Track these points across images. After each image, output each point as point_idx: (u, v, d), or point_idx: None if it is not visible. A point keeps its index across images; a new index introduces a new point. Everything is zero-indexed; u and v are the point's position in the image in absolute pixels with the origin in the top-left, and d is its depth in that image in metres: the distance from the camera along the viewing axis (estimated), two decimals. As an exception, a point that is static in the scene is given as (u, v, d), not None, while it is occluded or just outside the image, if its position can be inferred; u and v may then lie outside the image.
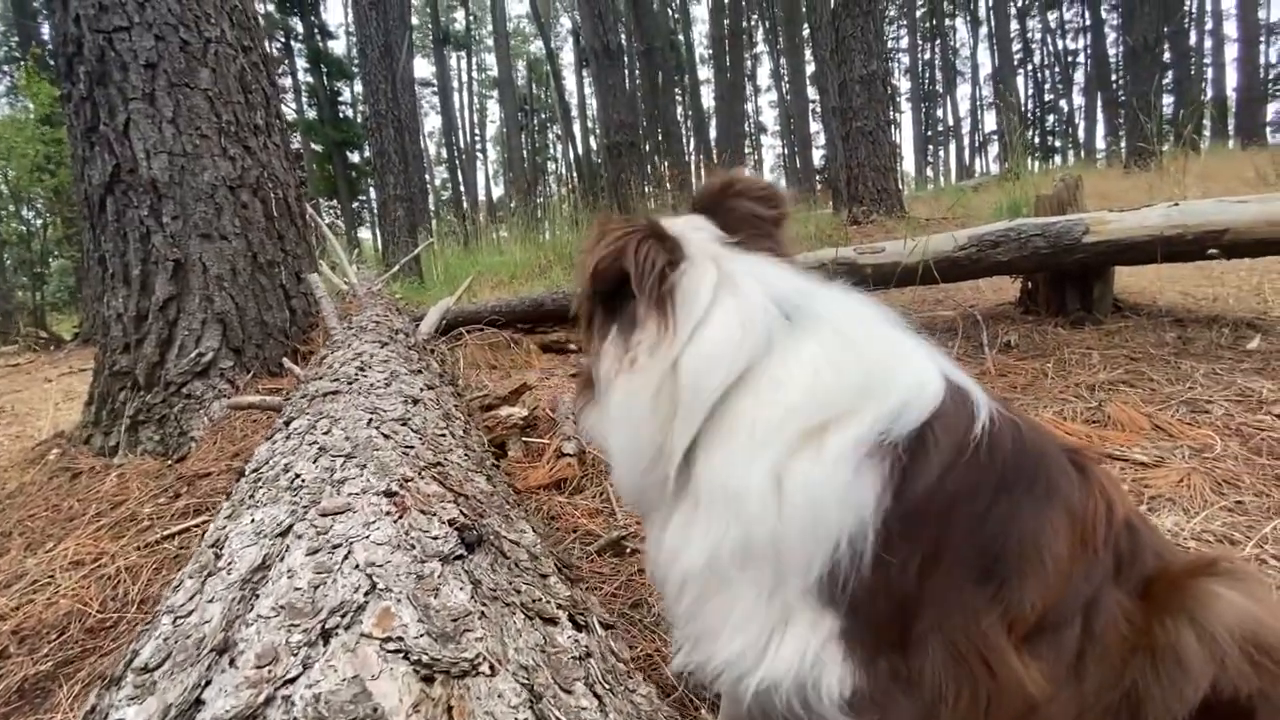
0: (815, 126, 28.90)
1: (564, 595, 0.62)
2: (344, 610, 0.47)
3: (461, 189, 31.63)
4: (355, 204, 26.05)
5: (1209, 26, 29.22)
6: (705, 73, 30.87)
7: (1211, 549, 1.54)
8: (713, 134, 24.89)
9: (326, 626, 0.46)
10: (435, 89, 30.32)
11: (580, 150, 27.58)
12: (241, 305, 2.75)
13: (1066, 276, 3.12)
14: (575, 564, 1.38)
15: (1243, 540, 1.56)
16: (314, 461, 0.81)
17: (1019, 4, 34.75)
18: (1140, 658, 0.74)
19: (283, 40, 24.41)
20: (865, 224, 8.09)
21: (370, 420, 0.96)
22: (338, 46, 26.91)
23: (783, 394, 0.77)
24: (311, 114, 24.99)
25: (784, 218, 0.97)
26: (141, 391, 2.62)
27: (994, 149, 37.87)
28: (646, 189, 9.23)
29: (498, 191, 37.19)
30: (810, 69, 24.30)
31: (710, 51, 27.03)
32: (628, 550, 1.68)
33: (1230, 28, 27.08)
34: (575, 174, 26.14)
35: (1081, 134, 35.16)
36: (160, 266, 2.64)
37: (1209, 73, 28.68)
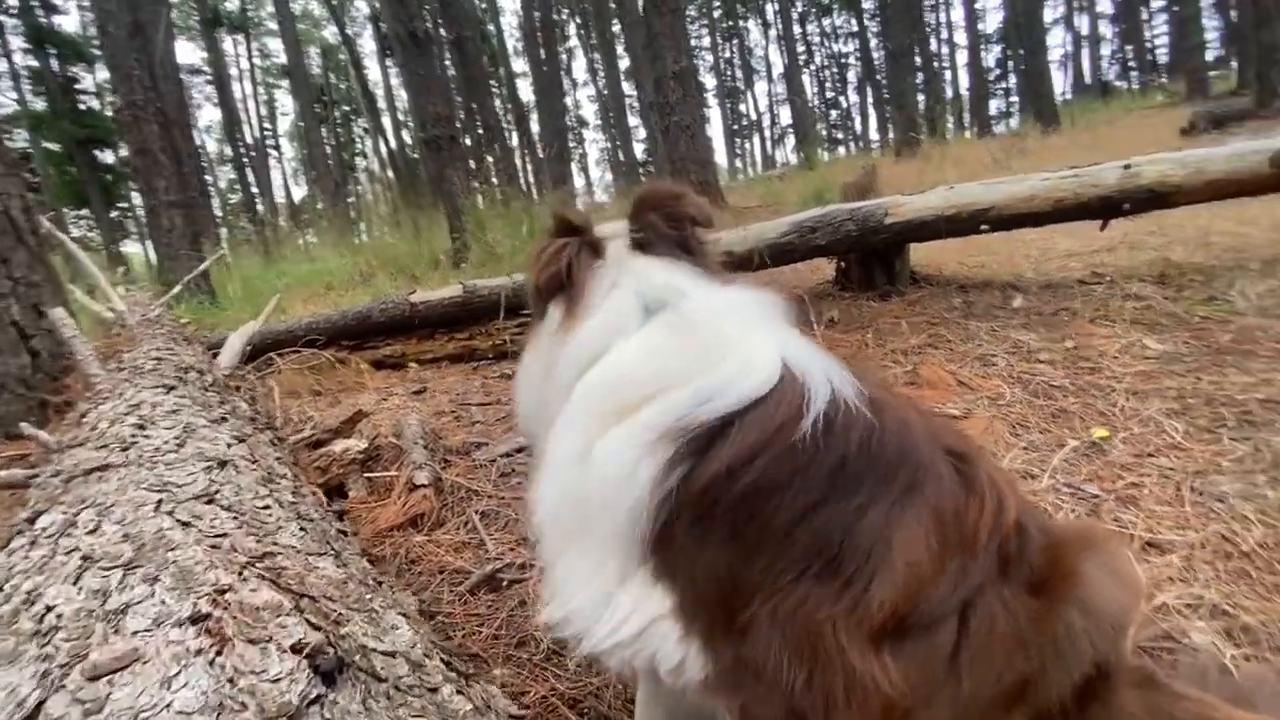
0: (634, 121, 29.76)
1: (464, 711, 0.50)
2: None
3: (254, 191, 27.93)
4: (114, 213, 21.88)
5: (944, 35, 34.80)
6: (520, 65, 30.35)
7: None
8: (535, 128, 24.52)
9: None
10: (209, 77, 26.30)
11: (394, 145, 25.73)
12: (-48, 353, 2.12)
13: (873, 255, 3.47)
14: (465, 649, 1.23)
15: (1039, 474, 1.82)
16: (75, 582, 0.57)
17: (799, 9, 38.56)
18: (1038, 646, 0.80)
19: (-14, 14, 19.67)
20: (692, 214, 8.44)
21: (159, 503, 0.72)
22: (68, 23, 22.26)
23: (608, 376, 0.87)
24: (40, 105, 20.44)
25: (688, 232, 1.05)
26: None
27: (791, 141, 41.82)
28: (474, 184, 8.80)
29: (299, 192, 33.32)
30: (624, 64, 24.90)
31: (523, 44, 26.59)
32: (504, 583, 1.55)
33: (960, 37, 32.54)
34: (391, 170, 24.31)
35: (859, 127, 40.13)
36: None
37: (947, 75, 34.17)
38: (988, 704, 0.85)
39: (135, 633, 0.50)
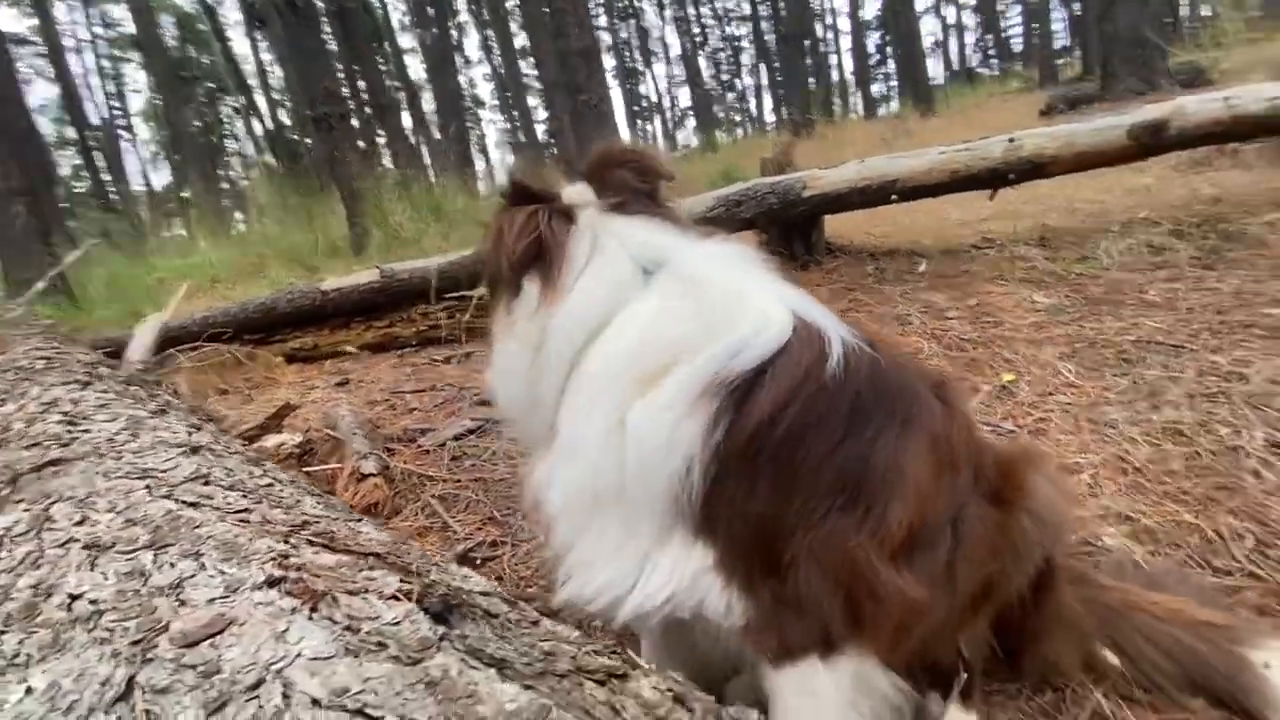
0: (533, 100, 28.99)
1: (575, 635, 0.50)
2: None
3: (105, 178, 24.80)
4: (-73, 205, 18.74)
5: (829, 21, 36.41)
6: (407, 41, 28.66)
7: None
8: (430, 106, 23.30)
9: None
10: (40, 49, 22.86)
11: (270, 125, 23.70)
12: None
13: (792, 227, 3.63)
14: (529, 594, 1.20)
15: (961, 419, 2.01)
16: (92, 568, 0.51)
17: (693, -9, 38.95)
18: (1000, 552, 0.90)
19: None
20: (604, 194, 8.40)
21: (149, 488, 0.65)
22: None
23: (623, 344, 0.86)
24: None
25: (658, 187, 1.04)
26: None
27: (691, 123, 42.37)
28: (371, 166, 8.29)
29: (161, 179, 29.78)
30: (519, 41, 24.20)
31: (410, 18, 25.15)
32: (478, 561, 1.52)
33: (844, 23, 34.21)
34: (270, 153, 22.38)
35: (754, 109, 41.35)
36: None
37: (833, 59, 35.85)
38: (966, 604, 0.95)
39: (211, 601, 0.46)
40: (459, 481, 1.94)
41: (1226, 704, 0.98)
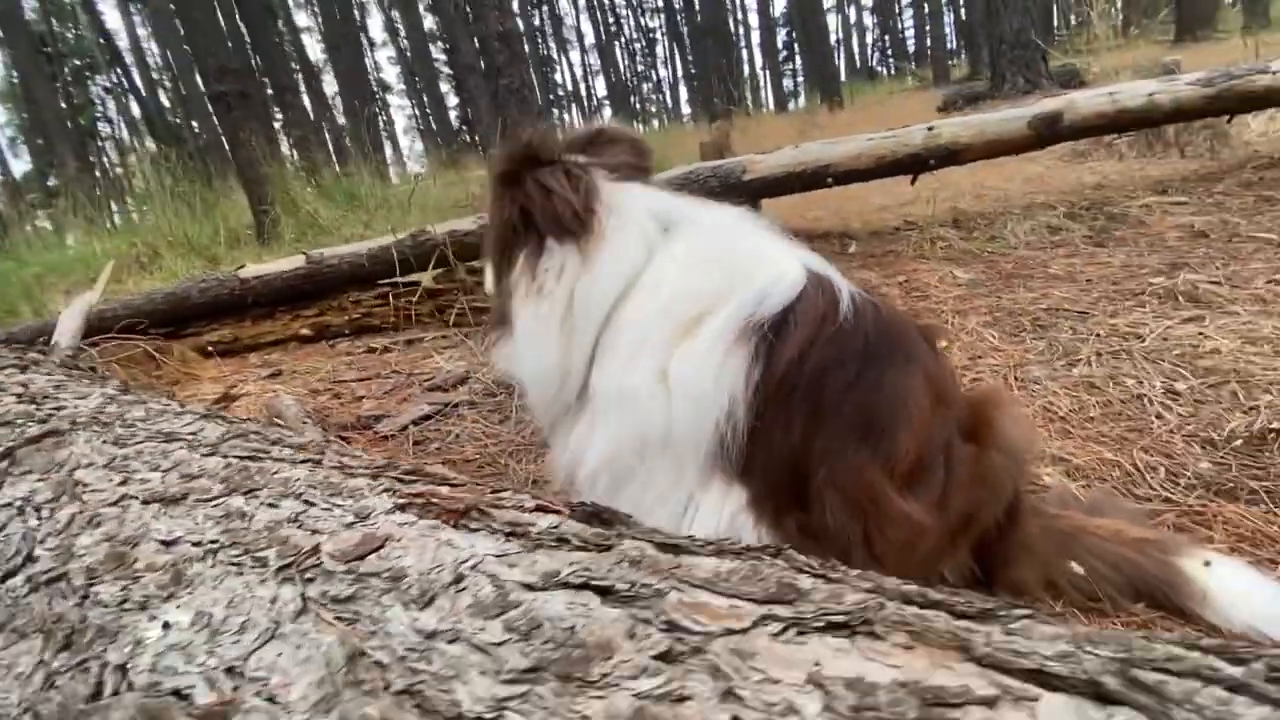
0: (444, 86, 27.91)
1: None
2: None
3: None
4: None
5: (739, 16, 37.28)
6: (303, 19, 26.85)
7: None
8: (332, 89, 21.93)
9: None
10: None
11: (151, 106, 21.56)
12: None
13: (731, 210, 3.74)
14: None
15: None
16: (167, 517, 0.47)
17: (606, -21, 38.76)
18: (979, 484, 1.00)
19: None
20: (530, 182, 8.25)
21: (185, 448, 0.60)
22: None
23: (659, 296, 0.89)
24: None
25: (650, 168, 1.11)
26: None
27: (608, 113, 42.28)
28: (287, 148, 7.75)
29: (22, 166, 26.28)
30: (428, 23, 23.25)
31: (307, -6, 23.55)
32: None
33: (754, 18, 35.10)
34: (151, 136, 20.36)
35: (669, 100, 41.79)
36: None
37: (744, 53, 36.77)
38: (949, 534, 1.05)
39: (350, 525, 0.44)
40: (427, 464, 1.89)
41: (1162, 605, 1.13)
